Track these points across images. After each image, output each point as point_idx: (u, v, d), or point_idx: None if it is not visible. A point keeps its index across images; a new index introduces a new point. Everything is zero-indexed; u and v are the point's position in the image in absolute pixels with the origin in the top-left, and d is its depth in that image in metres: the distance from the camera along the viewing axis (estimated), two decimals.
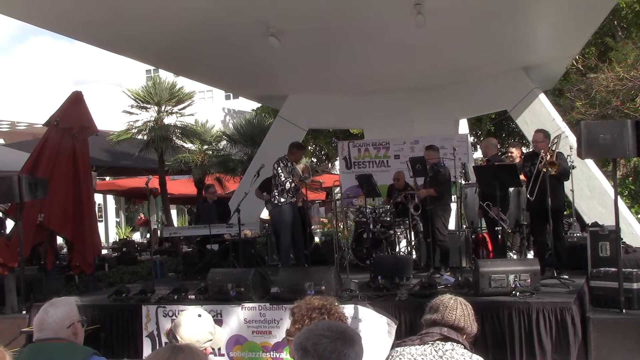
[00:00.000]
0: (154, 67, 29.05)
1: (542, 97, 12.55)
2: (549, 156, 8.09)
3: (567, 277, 7.83)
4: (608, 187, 11.69)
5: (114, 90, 22.67)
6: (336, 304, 3.15)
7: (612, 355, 6.29)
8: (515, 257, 9.78)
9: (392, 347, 2.94)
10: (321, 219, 20.89)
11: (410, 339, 2.82)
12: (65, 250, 13.27)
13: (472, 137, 21.64)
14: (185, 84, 18.51)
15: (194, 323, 3.05)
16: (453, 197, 10.18)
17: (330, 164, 28.39)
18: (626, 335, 6.32)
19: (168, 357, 2.17)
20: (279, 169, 9.85)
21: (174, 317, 7.76)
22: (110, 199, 26.57)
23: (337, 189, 23.51)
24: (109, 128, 17.68)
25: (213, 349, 3.12)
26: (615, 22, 16.85)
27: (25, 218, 9.25)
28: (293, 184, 9.77)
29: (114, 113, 18.14)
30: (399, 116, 14.20)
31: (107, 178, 22.19)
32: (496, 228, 8.64)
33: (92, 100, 10.54)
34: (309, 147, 25.07)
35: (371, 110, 14.42)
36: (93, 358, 3.16)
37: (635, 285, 6.71)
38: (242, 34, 10.10)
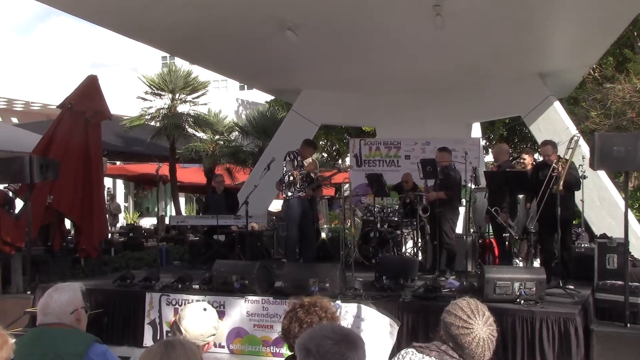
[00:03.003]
0: (169, 55, 29.08)
1: (557, 104, 12.46)
2: (560, 167, 8.03)
3: (572, 287, 7.78)
4: (618, 199, 11.62)
5: (129, 75, 22.74)
6: (330, 304, 3.12)
7: None
8: (521, 264, 9.74)
9: (410, 347, 2.84)
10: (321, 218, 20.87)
11: (428, 347, 2.76)
12: (72, 232, 13.33)
13: (484, 141, 21.55)
14: (200, 73, 18.53)
15: (198, 317, 3.06)
16: (462, 200, 10.14)
17: (341, 160, 28.38)
18: (630, 349, 6.29)
19: (161, 354, 2.17)
20: (284, 162, 9.88)
21: (177, 306, 7.80)
22: (119, 183, 26.65)
23: (346, 186, 23.54)
24: (122, 113, 17.76)
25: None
26: (635, 33, 16.73)
27: (35, 199, 9.28)
28: (292, 178, 9.76)
29: (128, 98, 18.22)
30: (411, 116, 14.16)
31: (118, 162, 22.27)
32: (504, 234, 8.59)
33: (107, 84, 10.58)
34: (321, 143, 25.06)
35: (384, 109, 14.38)
36: (94, 345, 3.18)
37: None
38: (260, 27, 10.08)
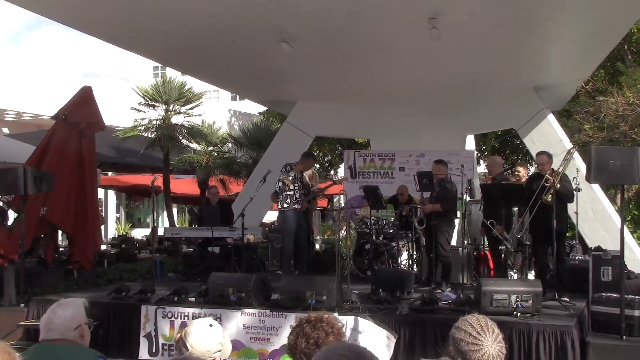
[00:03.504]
0: (161, 65, 29.08)
1: (551, 117, 12.54)
2: (552, 179, 8.09)
3: (567, 299, 7.81)
4: (612, 211, 11.67)
5: (121, 85, 22.71)
6: (337, 320, 3.12)
7: None
8: (516, 276, 9.77)
9: None
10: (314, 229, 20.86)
11: None
12: (64, 244, 13.25)
13: (477, 152, 21.62)
14: (194, 84, 18.53)
15: (205, 333, 3.04)
16: (457, 213, 10.17)
17: (333, 172, 28.38)
18: None
19: None
20: (279, 174, 9.90)
21: (172, 319, 7.79)
22: (111, 194, 26.54)
23: (337, 198, 23.53)
24: (115, 123, 17.72)
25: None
26: (626, 46, 16.87)
27: (28, 210, 9.25)
28: (280, 184, 9.78)
29: (121, 108, 18.19)
30: (406, 128, 14.19)
31: (110, 173, 22.19)
32: (500, 247, 8.62)
33: (99, 94, 10.56)
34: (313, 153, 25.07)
35: (379, 121, 14.42)
36: None
37: (636, 312, 6.71)
38: (254, 38, 10.10)
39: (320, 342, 2.92)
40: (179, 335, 3.08)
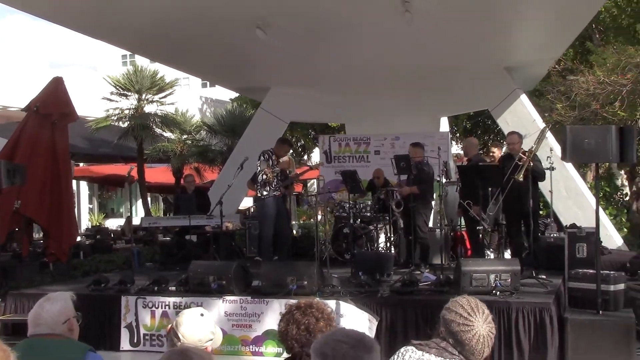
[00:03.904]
0: (130, 53, 28.73)
1: (524, 97, 12.65)
2: (525, 158, 8.21)
3: (544, 277, 7.93)
4: (585, 189, 11.86)
5: (90, 75, 22.42)
6: (326, 306, 3.15)
7: (588, 356, 6.40)
8: (492, 255, 9.89)
9: (409, 345, 2.85)
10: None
11: (427, 345, 2.79)
12: (39, 236, 13.11)
13: (449, 134, 21.78)
14: (166, 72, 18.37)
15: (196, 322, 3.05)
16: (434, 194, 10.25)
17: (307, 156, 28.39)
18: (602, 336, 6.45)
19: None
20: (259, 162, 9.88)
21: (153, 309, 7.76)
22: (83, 185, 26.26)
23: (311, 182, 23.54)
24: (86, 113, 17.49)
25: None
26: (593, 25, 17.03)
27: (2, 204, 9.12)
28: (265, 177, 9.77)
29: (91, 98, 17.95)
30: (380, 112, 14.22)
31: (81, 164, 21.97)
32: (477, 227, 8.71)
33: (69, 85, 10.40)
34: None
35: (353, 105, 14.43)
36: (89, 354, 3.15)
37: (612, 287, 6.83)
38: (227, 25, 10.04)
39: (310, 328, 2.95)
40: (170, 325, 3.08)
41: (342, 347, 2.15)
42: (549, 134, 11.63)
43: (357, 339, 2.21)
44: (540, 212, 11.61)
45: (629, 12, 17.10)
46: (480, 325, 2.70)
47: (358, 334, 2.28)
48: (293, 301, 3.16)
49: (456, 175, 11.11)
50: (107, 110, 18.14)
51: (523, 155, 8.30)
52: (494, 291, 6.91)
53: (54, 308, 3.20)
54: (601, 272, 6.91)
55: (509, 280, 6.99)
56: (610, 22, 17.71)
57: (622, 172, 18.68)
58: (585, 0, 9.59)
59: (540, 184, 9.47)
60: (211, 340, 3.07)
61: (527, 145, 9.12)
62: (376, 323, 7.02)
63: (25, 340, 3.17)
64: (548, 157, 9.58)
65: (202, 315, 3.10)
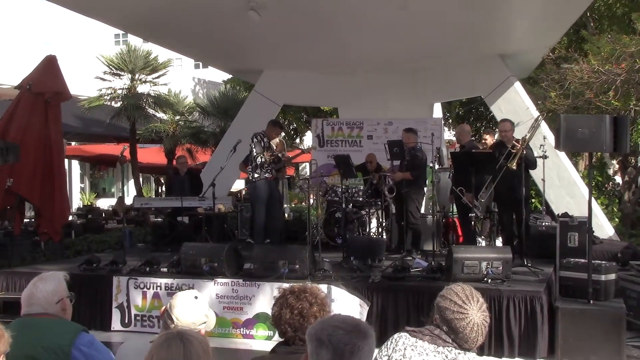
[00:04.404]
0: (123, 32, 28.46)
1: (518, 85, 12.65)
2: (518, 146, 8.21)
3: (530, 265, 7.97)
4: (577, 178, 11.90)
5: (84, 54, 22.23)
6: (320, 290, 3.15)
7: (578, 345, 6.44)
8: (484, 242, 9.94)
9: (402, 331, 2.86)
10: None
11: (421, 332, 2.80)
12: (30, 215, 13.08)
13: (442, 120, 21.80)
14: (159, 52, 18.25)
15: (190, 305, 3.05)
16: (427, 180, 10.26)
17: (299, 140, 28.35)
18: (593, 325, 6.48)
19: (183, 350, 2.16)
20: (252, 144, 9.85)
21: (145, 290, 7.77)
22: (75, 164, 26.16)
23: (303, 165, 23.53)
24: (78, 92, 17.38)
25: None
26: (588, 13, 16.99)
27: None
28: (264, 159, 9.76)
29: (84, 77, 17.84)
30: (374, 97, 14.20)
31: (73, 143, 21.88)
32: (470, 214, 8.74)
33: (62, 63, 10.33)
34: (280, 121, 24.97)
35: (347, 89, 14.40)
36: (81, 335, 3.15)
37: (603, 277, 6.87)
38: (221, 5, 9.95)
39: (304, 312, 2.95)
40: (164, 307, 3.08)
41: (338, 333, 2.16)
42: (542, 122, 11.65)
43: (353, 324, 2.22)
44: (533, 200, 11.66)
45: (624, 1, 17.09)
46: (474, 314, 2.71)
47: (354, 320, 2.29)
48: (287, 285, 3.16)
49: (449, 161, 11.13)
50: (100, 90, 18.04)
51: (517, 143, 8.30)
52: (485, 279, 6.95)
53: (47, 288, 3.20)
54: (592, 261, 6.94)
55: (501, 268, 7.02)
56: (605, 10, 17.68)
57: (614, 161, 18.75)
58: None
59: (533, 173, 9.51)
60: (205, 323, 3.08)
61: (520, 133, 9.11)
62: (367, 308, 7.05)
63: (18, 319, 3.17)
64: (541, 145, 9.61)
65: (196, 298, 3.10)
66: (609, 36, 12.78)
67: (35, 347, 3.02)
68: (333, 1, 9.78)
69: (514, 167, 8.06)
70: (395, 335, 2.84)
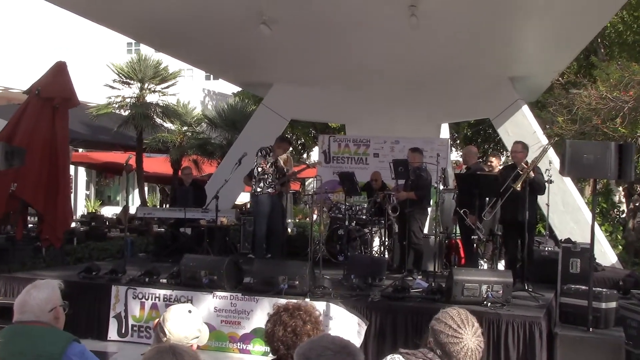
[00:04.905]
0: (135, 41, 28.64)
1: (525, 108, 12.64)
2: (527, 167, 8.18)
3: (531, 289, 7.91)
4: (582, 204, 11.85)
5: (94, 61, 22.39)
6: (315, 309, 3.12)
7: None
8: (485, 265, 9.88)
9: (396, 353, 2.83)
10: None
11: (414, 355, 2.77)
12: (33, 220, 13.09)
13: (450, 141, 21.79)
14: (169, 62, 18.35)
15: (183, 319, 3.02)
16: (431, 201, 10.23)
17: (306, 155, 28.38)
18: (591, 353, 6.43)
19: None
20: (256, 157, 9.87)
21: (143, 300, 7.75)
22: (81, 171, 26.23)
23: (309, 180, 23.51)
24: (87, 99, 17.48)
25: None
26: (599, 39, 17.01)
27: None
28: (260, 169, 9.76)
29: (93, 84, 17.94)
30: (382, 115, 14.20)
31: (80, 150, 21.94)
32: (472, 237, 8.69)
33: (72, 69, 10.38)
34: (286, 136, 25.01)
35: (355, 106, 14.41)
36: (73, 344, 3.13)
37: (603, 305, 6.81)
38: (233, 19, 10.00)
39: (297, 330, 2.93)
40: (157, 320, 3.06)
41: (326, 353, 2.15)
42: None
43: (342, 345, 2.21)
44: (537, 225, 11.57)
45: (635, 29, 17.11)
46: (469, 338, 2.68)
47: (343, 340, 2.27)
48: (281, 302, 3.14)
49: (454, 182, 11.11)
50: (109, 98, 18.14)
51: (525, 165, 8.27)
52: (485, 302, 6.91)
53: (40, 296, 3.18)
54: (594, 289, 6.90)
55: (501, 291, 6.98)
56: (615, 37, 17.71)
57: (620, 188, 18.68)
58: (591, 15, 9.55)
59: (538, 197, 9.45)
60: (197, 337, 3.05)
61: (529, 157, 9.08)
62: (365, 327, 7.01)
63: (9, 326, 3.15)
64: (547, 169, 9.56)
65: (189, 312, 3.07)
66: (618, 63, 12.80)
67: (25, 355, 3.00)
68: (344, 17, 9.81)
69: (518, 188, 8.01)
70: (389, 357, 2.81)
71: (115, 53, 28.45)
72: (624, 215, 16.26)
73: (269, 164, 9.84)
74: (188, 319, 3.04)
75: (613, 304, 6.92)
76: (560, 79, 13.15)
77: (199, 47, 12.20)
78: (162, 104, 18.70)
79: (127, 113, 18.15)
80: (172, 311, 3.05)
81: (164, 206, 20.13)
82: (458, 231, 10.36)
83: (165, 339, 2.94)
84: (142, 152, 18.37)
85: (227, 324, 7.46)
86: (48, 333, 3.13)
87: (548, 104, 14.06)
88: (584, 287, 6.99)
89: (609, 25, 16.23)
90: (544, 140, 11.38)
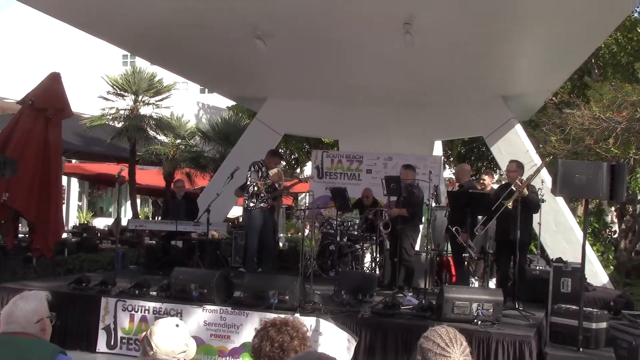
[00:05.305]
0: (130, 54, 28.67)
1: (519, 127, 12.69)
2: (520, 185, 8.19)
3: (521, 309, 7.90)
4: (574, 224, 11.87)
5: (89, 72, 22.40)
6: (302, 324, 3.10)
7: None
8: (477, 283, 9.87)
9: None
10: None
11: None
12: (24, 229, 13.05)
13: (443, 158, 21.84)
14: (164, 75, 18.38)
15: (170, 333, 3.00)
16: (422, 218, 10.23)
17: (299, 169, 28.38)
18: None
19: None
20: (249, 172, 9.88)
21: (133, 312, 7.70)
22: (74, 182, 26.16)
23: (302, 195, 23.52)
24: (81, 110, 17.47)
25: None
26: (593, 60, 17.15)
27: None
28: (256, 188, 9.76)
29: (87, 96, 17.95)
30: (375, 131, 14.22)
31: (74, 161, 21.89)
32: (464, 254, 8.68)
33: (66, 80, 10.38)
34: (280, 151, 25.03)
35: (349, 122, 14.43)
36: (59, 356, 3.10)
37: (594, 325, 6.83)
38: (228, 33, 10.02)
39: (285, 345, 2.91)
40: (144, 334, 3.03)
41: None
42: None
43: None
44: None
45: (629, 50, 17.27)
46: (457, 357, 2.67)
47: (329, 357, 2.25)
48: (269, 317, 3.13)
49: (446, 200, 11.12)
50: (103, 109, 18.15)
51: (519, 182, 8.27)
52: (475, 320, 6.89)
53: (27, 307, 3.16)
54: (584, 309, 6.90)
55: (491, 310, 6.97)
56: (609, 58, 17.87)
57: (612, 209, 18.75)
58: (585, 36, 9.62)
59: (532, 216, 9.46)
60: (184, 352, 3.03)
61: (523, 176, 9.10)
62: (355, 343, 6.98)
63: None
64: (539, 189, 9.58)
65: (177, 325, 3.05)
66: (612, 84, 12.90)
67: None
68: (339, 34, 9.84)
69: (510, 206, 8.01)
70: None
71: (110, 65, 28.50)
72: (615, 235, 16.31)
73: (264, 179, 9.85)
74: (175, 333, 3.02)
75: (604, 325, 6.93)
76: (553, 98, 13.25)
77: (193, 61, 12.21)
78: (155, 117, 18.70)
79: (120, 125, 18.14)
80: (159, 325, 3.03)
81: (156, 218, 20.08)
82: (449, 249, 10.36)
83: (152, 352, 2.92)
84: (135, 164, 18.35)
85: (217, 338, 7.41)
86: (35, 344, 3.10)
87: (541, 123, 14.17)
88: (574, 307, 6.99)
89: (603, 46, 16.38)
90: (537, 159, 11.43)
